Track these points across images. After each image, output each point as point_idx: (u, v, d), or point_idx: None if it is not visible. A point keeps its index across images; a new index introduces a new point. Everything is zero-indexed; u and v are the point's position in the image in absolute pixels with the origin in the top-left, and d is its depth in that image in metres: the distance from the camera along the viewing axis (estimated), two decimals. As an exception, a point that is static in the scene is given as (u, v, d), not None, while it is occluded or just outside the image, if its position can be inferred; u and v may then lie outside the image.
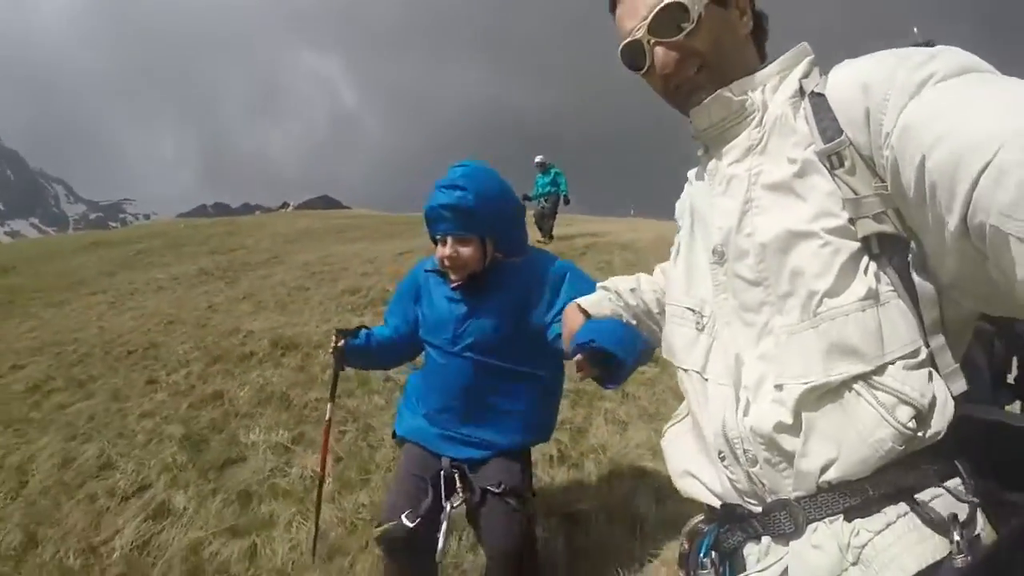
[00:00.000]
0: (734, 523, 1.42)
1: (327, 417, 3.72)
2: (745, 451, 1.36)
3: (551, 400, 3.30)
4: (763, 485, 1.36)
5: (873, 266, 1.23)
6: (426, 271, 3.30)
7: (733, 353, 1.38)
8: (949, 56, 1.14)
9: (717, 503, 1.45)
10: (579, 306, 2.04)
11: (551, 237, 17.56)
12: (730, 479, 1.41)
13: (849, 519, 1.25)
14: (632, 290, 2.00)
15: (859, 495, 1.24)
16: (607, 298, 2.02)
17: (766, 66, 1.45)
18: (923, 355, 1.22)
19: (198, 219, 41.86)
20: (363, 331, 3.43)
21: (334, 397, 3.74)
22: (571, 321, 2.03)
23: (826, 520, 1.27)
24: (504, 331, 3.00)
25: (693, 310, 1.49)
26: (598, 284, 2.11)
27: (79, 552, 4.65)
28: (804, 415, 1.26)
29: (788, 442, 1.29)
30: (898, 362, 1.21)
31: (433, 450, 3.13)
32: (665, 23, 1.42)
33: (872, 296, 1.22)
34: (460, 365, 3.06)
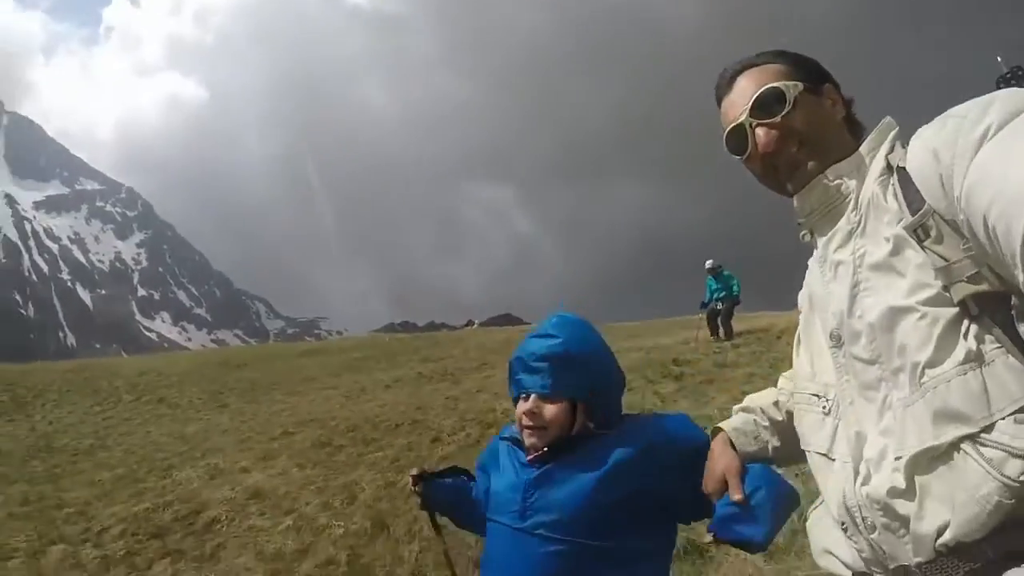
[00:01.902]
0: None
1: (443, 548, 3.15)
2: (864, 519, 1.37)
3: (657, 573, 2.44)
4: (884, 552, 1.36)
5: (974, 328, 1.23)
6: (501, 439, 2.65)
7: (855, 431, 1.40)
8: (1003, 102, 1.21)
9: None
10: (725, 438, 1.97)
11: (729, 335, 17.38)
12: (856, 549, 1.43)
13: None
14: (775, 404, 1.94)
15: (979, 559, 1.22)
16: (751, 421, 1.96)
17: (857, 149, 1.50)
18: None
19: (399, 334, 44.42)
20: (450, 479, 2.91)
21: (438, 532, 3.13)
22: (719, 463, 1.93)
23: None
24: (592, 501, 2.26)
25: (818, 396, 1.51)
26: (735, 408, 2.04)
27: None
28: (917, 479, 1.27)
29: (903, 506, 1.29)
30: (1008, 417, 1.19)
31: None
32: (765, 106, 1.53)
33: (973, 358, 1.22)
34: (528, 545, 2.33)
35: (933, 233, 1.26)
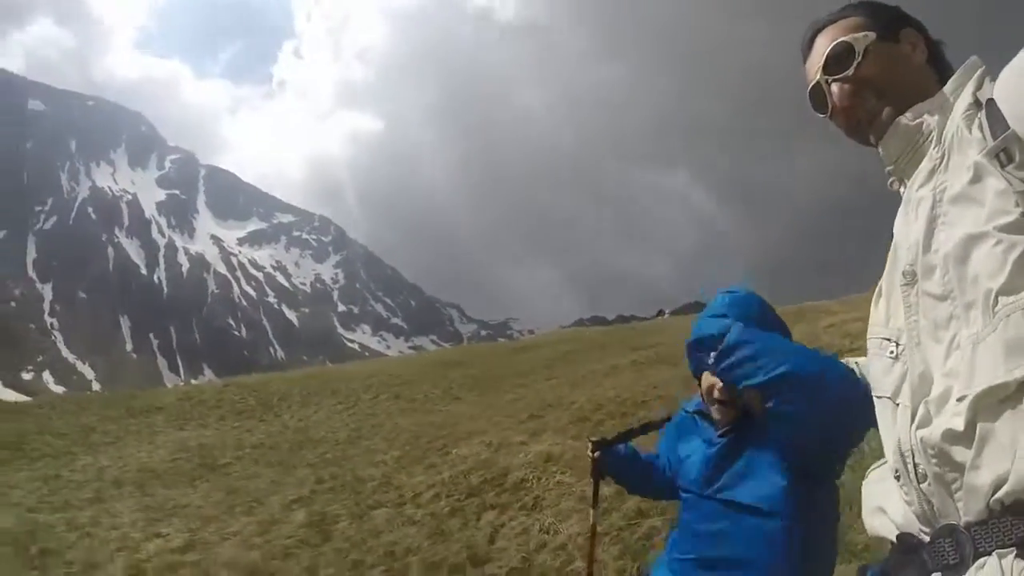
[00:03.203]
0: (905, 555, 1.33)
1: (591, 522, 3.43)
2: (916, 465, 1.28)
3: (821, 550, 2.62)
4: (932, 507, 1.26)
5: None
6: (688, 412, 2.85)
7: (919, 372, 1.31)
8: None
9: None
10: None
11: None
12: (906, 502, 1.33)
13: (1023, 554, 1.11)
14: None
15: None
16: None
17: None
18: None
19: (599, 327, 44.63)
20: (624, 446, 3.06)
21: (596, 503, 3.40)
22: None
23: (996, 553, 1.14)
24: (769, 470, 2.51)
25: (889, 339, 1.43)
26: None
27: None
28: (979, 423, 1.15)
29: (959, 454, 1.18)
30: None
31: None
32: (836, 62, 1.50)
33: None
34: (713, 512, 2.61)
35: (1017, 157, 1.18)
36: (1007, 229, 1.17)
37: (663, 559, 2.83)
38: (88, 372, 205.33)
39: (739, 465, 2.54)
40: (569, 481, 7.97)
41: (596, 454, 2.98)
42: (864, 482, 1.54)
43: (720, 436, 2.57)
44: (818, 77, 1.55)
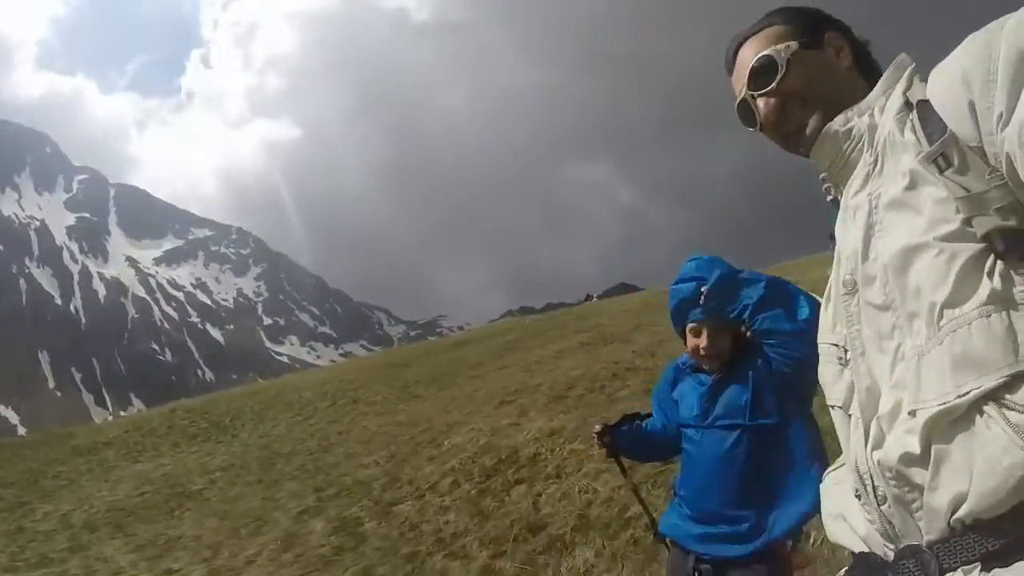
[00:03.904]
0: (868, 573, 1.35)
1: (632, 487, 3.77)
2: (875, 487, 1.28)
3: (810, 448, 2.93)
4: (894, 527, 1.27)
5: (1000, 266, 1.13)
6: (679, 366, 3.26)
7: (866, 385, 1.31)
8: None
9: (862, 549, 1.39)
10: None
11: None
12: (868, 521, 1.33)
13: (987, 568, 1.13)
14: None
15: (998, 537, 1.12)
16: None
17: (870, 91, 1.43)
18: None
19: (531, 316, 44.99)
20: (631, 423, 3.36)
21: (626, 473, 3.66)
22: None
23: (961, 570, 1.16)
24: (755, 391, 2.90)
25: (836, 344, 1.43)
26: None
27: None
28: (934, 445, 1.16)
29: (917, 475, 1.19)
30: None
31: (686, 546, 3.01)
32: (759, 77, 1.49)
33: (998, 299, 1.12)
34: (713, 438, 2.96)
35: (956, 162, 1.16)
36: (948, 238, 1.17)
37: (674, 502, 3.16)
38: (12, 416, 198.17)
39: (728, 394, 2.94)
40: (581, 448, 8.23)
41: (605, 439, 3.28)
42: (823, 483, 1.57)
43: (713, 378, 3.00)
44: (743, 93, 1.54)
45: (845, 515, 1.41)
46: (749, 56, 1.52)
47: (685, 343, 3.07)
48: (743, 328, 2.93)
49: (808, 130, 1.45)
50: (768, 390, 2.87)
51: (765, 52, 1.48)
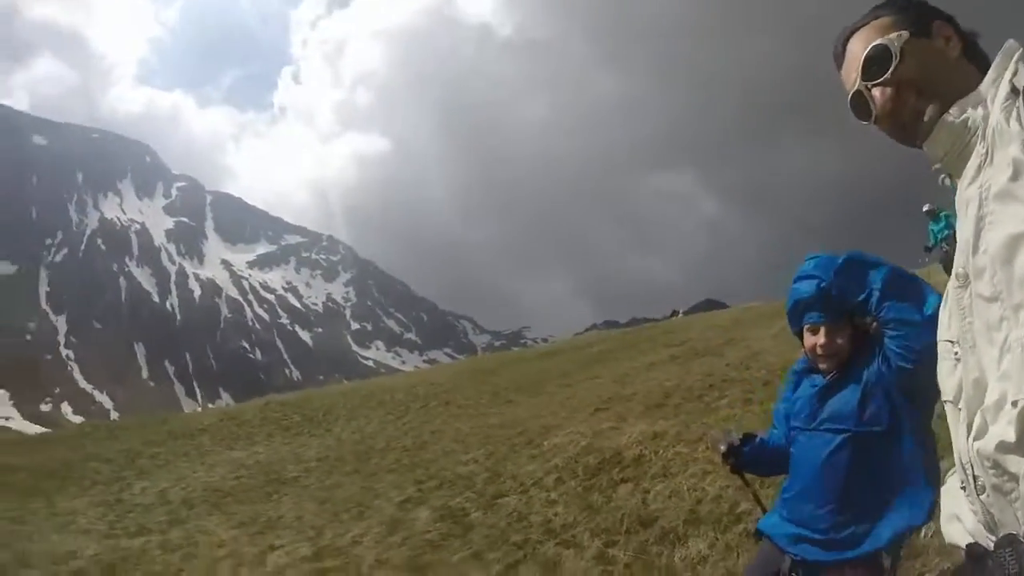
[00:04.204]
0: (973, 564, 1.34)
1: (752, 492, 3.73)
2: (975, 477, 1.27)
3: (922, 461, 2.81)
4: (993, 517, 1.26)
5: None
6: (797, 370, 3.22)
7: (973, 377, 1.30)
8: None
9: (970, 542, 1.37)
10: None
11: None
12: (972, 512, 1.33)
13: None
14: None
15: None
16: None
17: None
18: None
19: (617, 329, 44.68)
20: (753, 442, 3.28)
21: (747, 483, 3.62)
22: None
23: None
24: (866, 394, 2.82)
25: (952, 341, 1.41)
26: None
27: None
28: None
29: (1013, 464, 1.17)
30: None
31: (781, 546, 2.97)
32: (874, 67, 1.47)
33: None
34: (818, 442, 2.92)
35: None
36: None
37: (777, 502, 3.13)
38: (106, 401, 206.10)
39: (838, 397, 2.88)
40: (686, 451, 8.29)
41: (730, 461, 3.22)
42: (943, 488, 1.54)
43: (828, 379, 2.94)
44: (857, 84, 1.52)
45: (959, 514, 1.41)
46: (860, 47, 1.52)
47: (803, 344, 3.04)
48: (869, 319, 2.86)
49: (925, 118, 1.44)
50: (882, 395, 2.79)
51: (879, 41, 1.47)
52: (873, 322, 2.84)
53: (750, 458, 3.23)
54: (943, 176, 1.49)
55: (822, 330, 2.91)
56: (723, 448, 3.23)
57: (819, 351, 2.93)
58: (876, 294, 2.74)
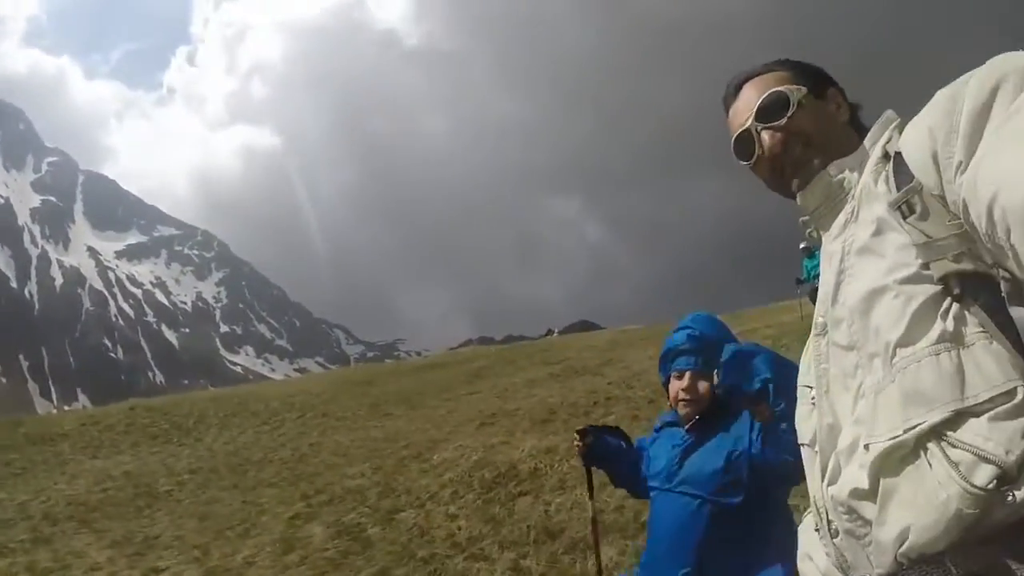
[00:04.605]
0: None
1: (591, 515, 3.65)
2: (830, 521, 1.33)
3: (780, 533, 2.71)
4: (847, 560, 1.31)
5: (955, 308, 1.18)
6: (656, 428, 3.25)
7: (827, 422, 1.35)
8: (997, 67, 1.17)
9: None
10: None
11: None
12: (826, 555, 1.39)
13: None
14: None
15: (941, 573, 1.14)
16: None
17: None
18: (1020, 397, 1.10)
19: (495, 346, 44.93)
20: (613, 437, 3.36)
21: (592, 494, 3.62)
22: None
23: None
24: (729, 463, 2.81)
25: (809, 387, 1.47)
26: None
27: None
28: (882, 480, 1.20)
29: (867, 509, 1.23)
30: (984, 412, 1.12)
31: None
32: (769, 110, 1.54)
33: (949, 338, 1.17)
34: (676, 505, 2.89)
35: (918, 209, 1.22)
36: (906, 281, 1.22)
37: (635, 569, 3.09)
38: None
39: (698, 458, 2.87)
40: (580, 465, 8.39)
41: (587, 439, 3.22)
42: (800, 525, 1.58)
43: (687, 431, 2.95)
44: (748, 124, 1.58)
45: (811, 554, 1.46)
46: (758, 92, 1.59)
47: (668, 395, 3.06)
48: (767, 411, 2.68)
49: (806, 169, 1.51)
50: (747, 467, 2.78)
51: (779, 88, 1.56)
52: (770, 413, 2.67)
53: (608, 449, 3.27)
54: (810, 229, 1.57)
55: (687, 375, 2.94)
56: (580, 427, 3.32)
57: (681, 395, 2.95)
58: (771, 387, 2.61)
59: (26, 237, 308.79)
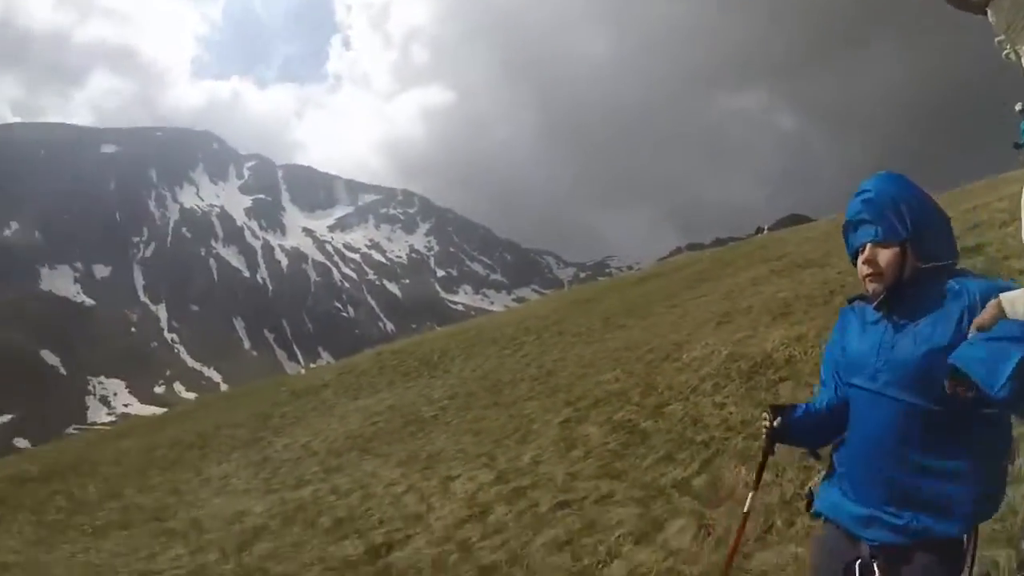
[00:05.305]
0: None
1: (745, 509, 3.18)
2: None
3: (999, 456, 2.49)
4: None
5: None
6: (846, 307, 2.83)
7: None
8: None
9: None
10: (1000, 302, 2.02)
11: None
12: None
13: None
14: None
15: None
16: None
17: None
18: None
19: (708, 250, 44.10)
20: (799, 407, 2.85)
21: (759, 484, 3.18)
22: (982, 317, 2.04)
23: None
24: (933, 362, 2.36)
25: None
26: None
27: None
28: None
29: None
30: None
31: (850, 531, 2.57)
32: None
33: None
34: (883, 409, 2.49)
35: None
36: None
37: (833, 476, 2.71)
38: (215, 375, 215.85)
39: (900, 351, 2.46)
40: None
41: (776, 421, 2.80)
42: None
43: (876, 308, 2.55)
44: None
45: None
46: None
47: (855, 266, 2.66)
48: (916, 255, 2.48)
49: None
50: (926, 347, 2.40)
51: None
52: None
53: (800, 422, 2.79)
54: (1006, 52, 1.50)
55: (867, 247, 2.55)
56: (772, 405, 2.88)
57: (863, 271, 2.56)
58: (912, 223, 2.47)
59: (247, 234, 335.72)
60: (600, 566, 5.73)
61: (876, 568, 2.43)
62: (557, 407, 11.50)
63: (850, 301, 2.78)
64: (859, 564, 2.47)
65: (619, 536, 6.07)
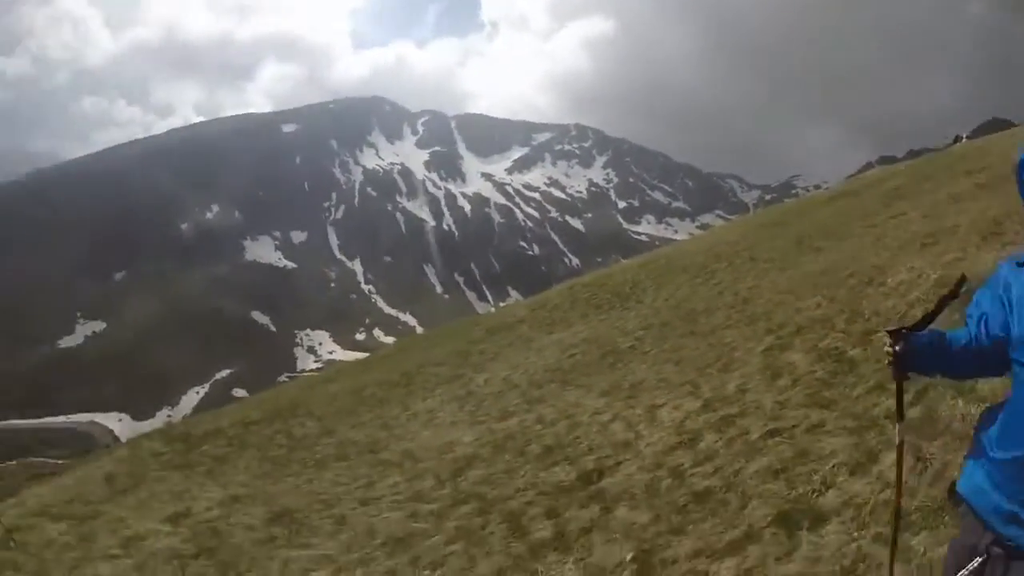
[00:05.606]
0: None
1: (897, 441, 2.92)
2: None
3: None
4: None
5: None
6: (1016, 265, 2.36)
7: None
8: None
9: None
10: None
11: None
12: None
13: None
14: None
15: None
16: None
17: None
18: None
19: (903, 163, 41.75)
20: (924, 334, 2.50)
21: (902, 414, 2.87)
22: None
23: None
24: None
25: None
26: None
27: None
28: None
29: None
30: None
31: (984, 519, 2.26)
32: None
33: None
34: None
35: None
36: None
37: (972, 455, 2.41)
38: (410, 320, 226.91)
39: None
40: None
41: (899, 347, 2.46)
42: None
43: None
44: None
45: None
46: None
47: None
48: None
49: None
50: None
51: None
52: None
53: (927, 349, 2.46)
54: None
55: None
56: (891, 329, 2.55)
57: None
58: None
59: (429, 185, 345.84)
60: (815, 495, 5.76)
61: (1000, 561, 2.16)
62: (758, 335, 11.45)
63: (1020, 264, 2.34)
64: (981, 557, 2.21)
65: (833, 466, 6.06)
